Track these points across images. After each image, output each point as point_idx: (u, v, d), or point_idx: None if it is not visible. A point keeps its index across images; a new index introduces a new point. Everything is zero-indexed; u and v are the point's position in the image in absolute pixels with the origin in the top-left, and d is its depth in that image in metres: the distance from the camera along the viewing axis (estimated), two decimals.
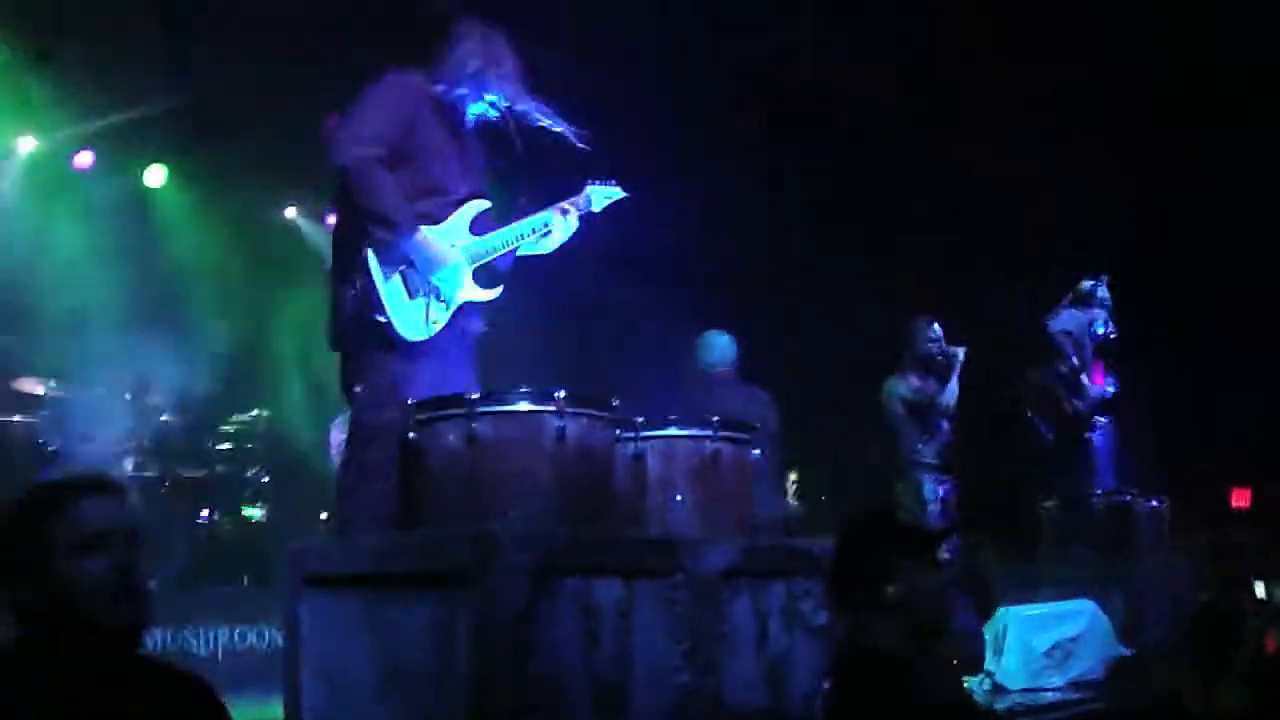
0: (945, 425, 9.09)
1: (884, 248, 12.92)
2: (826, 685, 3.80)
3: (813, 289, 12.70)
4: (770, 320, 12.30)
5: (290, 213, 13.31)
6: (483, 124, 5.82)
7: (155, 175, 12.35)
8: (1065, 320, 10.11)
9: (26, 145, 11.39)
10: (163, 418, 10.52)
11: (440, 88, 5.72)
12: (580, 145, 5.84)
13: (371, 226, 5.42)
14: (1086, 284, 10.19)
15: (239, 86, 10.79)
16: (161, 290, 11.52)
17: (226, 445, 10.88)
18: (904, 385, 9.15)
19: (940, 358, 9.13)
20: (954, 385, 9.11)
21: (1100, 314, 10.14)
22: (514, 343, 6.06)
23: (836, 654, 3.70)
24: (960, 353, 9.11)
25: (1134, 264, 10.82)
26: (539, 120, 5.79)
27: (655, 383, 8.12)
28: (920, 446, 9.00)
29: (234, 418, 10.91)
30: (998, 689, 7.42)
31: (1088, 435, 9.97)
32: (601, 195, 6.03)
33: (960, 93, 11.97)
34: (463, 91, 5.73)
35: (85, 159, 11.75)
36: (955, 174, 12.37)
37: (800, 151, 12.26)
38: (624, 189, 6.12)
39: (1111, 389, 10.13)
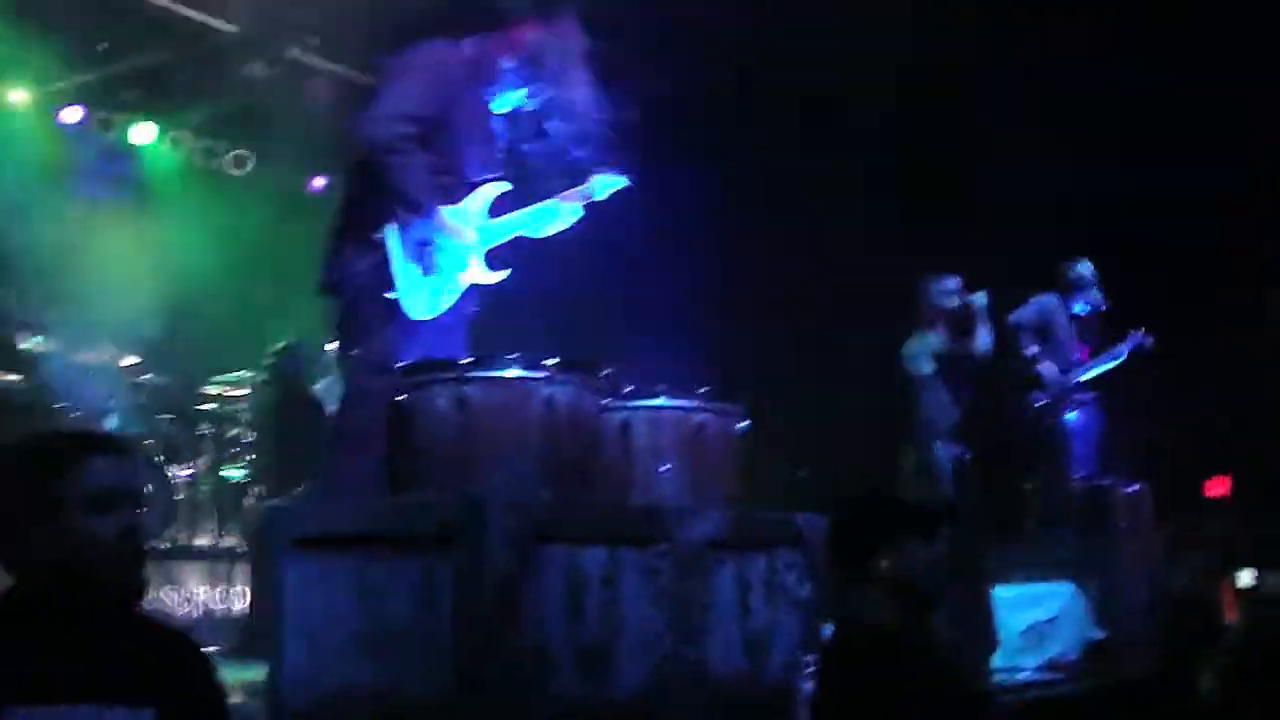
0: (965, 387, 8.73)
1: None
2: (815, 656, 3.82)
3: (804, 262, 12.63)
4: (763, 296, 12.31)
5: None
6: (515, 108, 5.83)
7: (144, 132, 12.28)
8: (1027, 309, 10.05)
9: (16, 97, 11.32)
10: (145, 376, 10.51)
11: (484, 65, 5.72)
12: (607, 159, 5.84)
13: (396, 205, 5.43)
14: (1065, 265, 10.14)
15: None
16: (147, 248, 11.46)
17: (210, 405, 10.84)
18: (932, 341, 8.74)
19: (962, 310, 8.82)
20: (985, 333, 8.78)
21: (1079, 294, 10.07)
22: (504, 319, 6.06)
23: (830, 626, 3.73)
24: (982, 297, 8.75)
25: (1117, 249, 10.81)
26: (572, 119, 5.76)
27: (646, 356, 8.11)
28: (946, 409, 8.61)
29: (219, 377, 10.86)
30: None
31: (1060, 420, 9.95)
32: (605, 185, 5.95)
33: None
34: (508, 76, 5.73)
35: (73, 114, 11.67)
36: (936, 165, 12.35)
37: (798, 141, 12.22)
38: (629, 177, 6.03)
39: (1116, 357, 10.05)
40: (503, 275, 5.77)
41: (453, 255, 5.56)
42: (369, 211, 5.51)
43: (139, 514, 2.88)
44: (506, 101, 5.80)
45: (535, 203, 5.84)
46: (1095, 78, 11.48)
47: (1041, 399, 9.82)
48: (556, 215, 5.86)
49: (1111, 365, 10.11)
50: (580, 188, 5.89)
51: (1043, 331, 9.97)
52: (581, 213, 5.92)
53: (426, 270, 5.50)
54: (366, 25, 9.29)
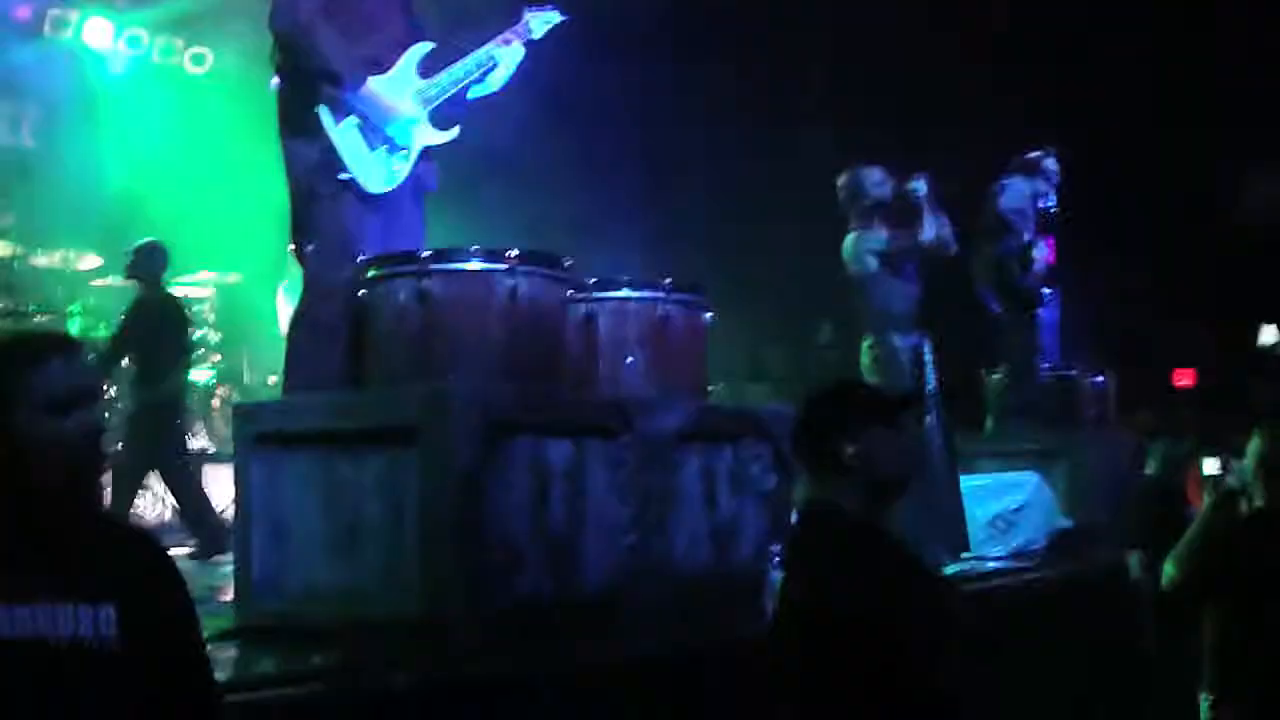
0: (915, 274, 8.61)
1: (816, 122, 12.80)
2: (782, 544, 3.82)
3: (754, 165, 12.58)
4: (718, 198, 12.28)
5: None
6: None
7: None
8: (1013, 195, 9.96)
9: None
10: (106, 279, 10.44)
11: None
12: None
13: (320, 84, 5.35)
14: (1034, 154, 10.06)
15: None
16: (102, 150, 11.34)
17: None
18: (873, 238, 8.32)
19: (899, 199, 8.64)
20: (930, 219, 8.31)
21: (1045, 186, 10.03)
22: (466, 205, 5.99)
23: (797, 513, 3.72)
24: (921, 184, 8.54)
25: (1085, 144, 10.80)
26: None
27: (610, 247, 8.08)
28: (899, 300, 8.46)
29: (181, 280, 10.76)
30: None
31: (1036, 310, 9.96)
32: (541, 21, 5.81)
33: None
34: None
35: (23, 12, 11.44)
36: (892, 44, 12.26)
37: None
38: (561, 12, 5.88)
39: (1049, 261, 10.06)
40: (452, 134, 5.66)
41: (395, 124, 5.47)
42: (305, 101, 5.43)
43: (97, 414, 2.84)
44: None
45: (466, 55, 5.71)
46: None
47: (1030, 283, 9.79)
48: (498, 61, 5.71)
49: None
50: (514, 28, 5.75)
51: (1025, 217, 9.91)
52: (523, 53, 5.76)
53: (371, 144, 5.42)
54: None
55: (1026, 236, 9.80)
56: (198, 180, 11.76)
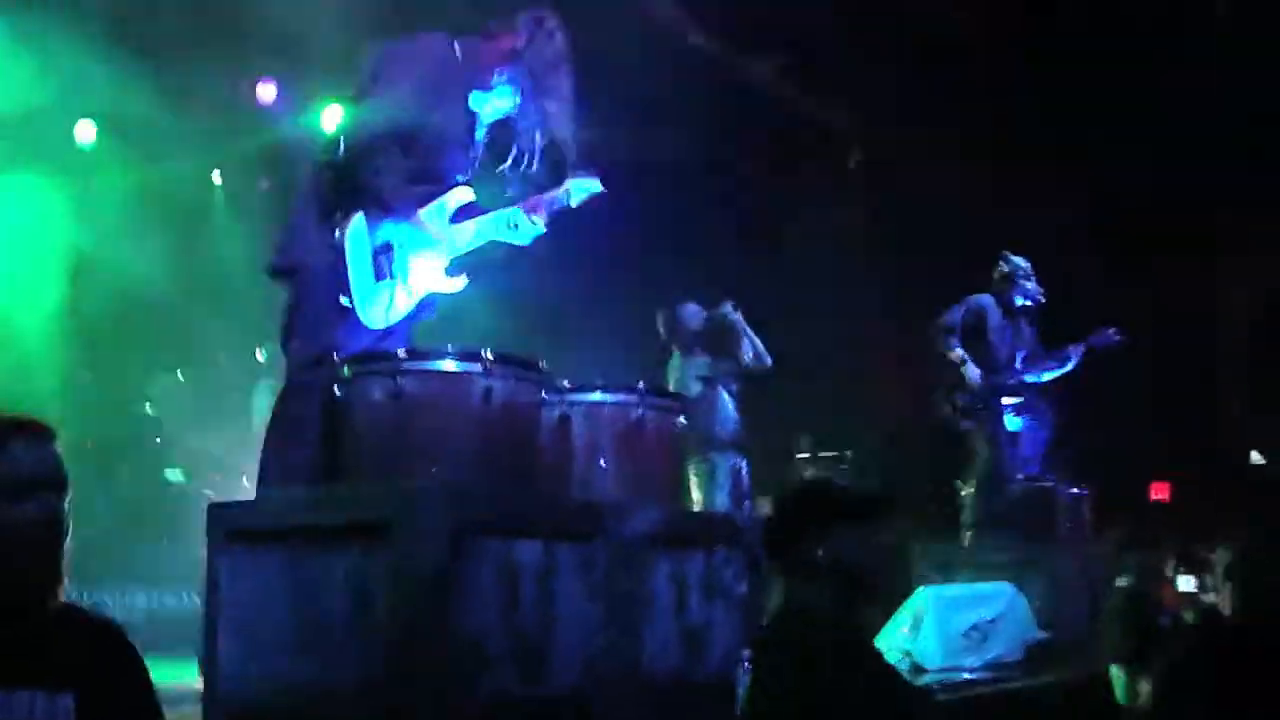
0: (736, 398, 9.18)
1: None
2: (753, 646, 3.81)
3: None
4: None
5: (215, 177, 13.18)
6: (495, 113, 5.76)
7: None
8: (956, 310, 10.07)
9: None
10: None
11: (473, 67, 5.65)
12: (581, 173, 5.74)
13: (370, 207, 5.39)
14: (999, 259, 10.17)
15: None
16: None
17: (148, 407, 10.77)
18: (698, 364, 9.20)
19: (715, 327, 9.23)
20: (746, 341, 9.20)
21: (1017, 286, 10.09)
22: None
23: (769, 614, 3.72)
24: (728, 308, 9.24)
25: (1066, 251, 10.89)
26: (552, 131, 5.67)
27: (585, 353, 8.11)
28: (724, 422, 9.05)
29: (157, 378, 10.79)
30: (916, 668, 7.47)
31: (994, 421, 9.98)
32: (580, 189, 5.75)
33: None
34: (496, 80, 5.66)
35: None
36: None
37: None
38: (603, 183, 5.81)
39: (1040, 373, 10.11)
40: (461, 283, 5.72)
41: (407, 263, 5.51)
42: (334, 205, 5.45)
43: (62, 501, 2.83)
44: (489, 105, 5.73)
45: (500, 208, 5.73)
46: None
47: (965, 400, 9.84)
48: (516, 226, 5.70)
49: (1064, 370, 10.15)
50: (555, 192, 5.72)
51: (976, 331, 9.97)
52: (543, 230, 5.73)
53: (380, 275, 5.45)
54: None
55: (958, 351, 9.86)
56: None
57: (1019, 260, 10.12)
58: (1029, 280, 10.08)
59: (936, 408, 9.97)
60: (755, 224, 13.18)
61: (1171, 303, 12.87)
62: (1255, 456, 13.92)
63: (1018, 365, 10.04)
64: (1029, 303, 10.09)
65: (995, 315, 10.02)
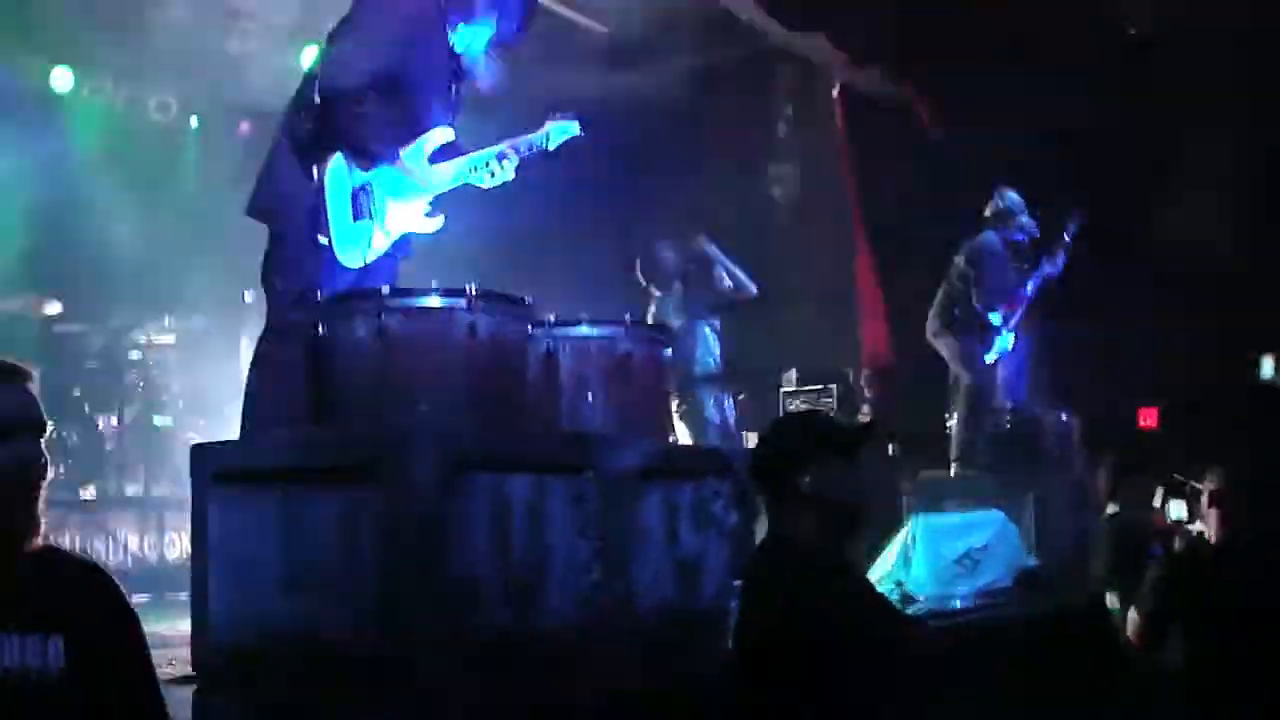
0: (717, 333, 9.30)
1: None
2: (742, 577, 3.81)
3: None
4: None
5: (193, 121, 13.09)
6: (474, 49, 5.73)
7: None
8: (963, 250, 10.09)
9: None
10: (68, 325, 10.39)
11: (451, 11, 5.61)
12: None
13: (350, 153, 5.35)
14: (994, 196, 10.15)
15: None
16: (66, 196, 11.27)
17: (135, 354, 10.70)
18: (674, 300, 9.44)
19: (690, 261, 9.35)
20: (722, 269, 9.38)
21: (1014, 222, 10.08)
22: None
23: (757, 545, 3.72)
24: (702, 240, 9.38)
25: (1053, 182, 10.81)
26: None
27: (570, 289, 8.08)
28: (705, 357, 9.17)
29: (146, 325, 10.72)
30: (907, 597, 7.49)
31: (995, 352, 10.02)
32: (560, 131, 5.75)
33: None
34: (478, 22, 5.63)
35: None
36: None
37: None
38: (581, 125, 5.82)
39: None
40: (438, 223, 5.69)
41: (385, 203, 5.48)
42: (314, 149, 5.40)
43: (37, 443, 2.80)
44: (470, 41, 5.69)
45: (481, 149, 5.69)
46: None
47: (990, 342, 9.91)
48: (490, 168, 5.64)
49: (1058, 270, 10.16)
50: (532, 135, 5.71)
51: (987, 271, 9.96)
52: (510, 178, 5.69)
53: (358, 215, 5.41)
54: None
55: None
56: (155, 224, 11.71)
57: (1013, 195, 10.09)
58: (1023, 214, 10.07)
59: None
60: (737, 156, 13.07)
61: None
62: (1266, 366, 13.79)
63: (1027, 291, 10.04)
64: (1026, 236, 10.09)
65: (1000, 250, 10.01)
